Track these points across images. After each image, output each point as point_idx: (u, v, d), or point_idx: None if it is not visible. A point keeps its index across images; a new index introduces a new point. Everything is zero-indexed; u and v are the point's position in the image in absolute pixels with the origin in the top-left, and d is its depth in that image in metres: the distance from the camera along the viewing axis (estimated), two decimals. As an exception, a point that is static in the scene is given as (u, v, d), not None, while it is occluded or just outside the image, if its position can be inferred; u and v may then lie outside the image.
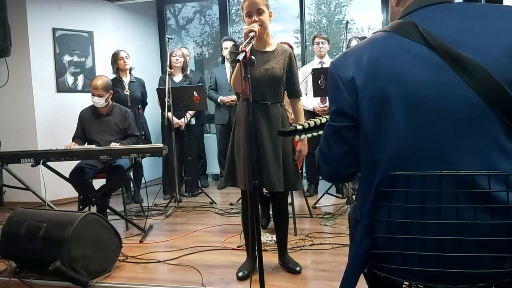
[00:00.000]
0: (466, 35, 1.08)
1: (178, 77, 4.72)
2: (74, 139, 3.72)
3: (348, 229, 1.48)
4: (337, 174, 1.30)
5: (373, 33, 1.22)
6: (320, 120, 1.62)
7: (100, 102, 3.68)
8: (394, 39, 1.15)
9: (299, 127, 1.58)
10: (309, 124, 1.58)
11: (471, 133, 1.05)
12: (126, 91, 4.45)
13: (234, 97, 4.71)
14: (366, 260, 1.18)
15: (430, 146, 1.08)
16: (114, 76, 4.49)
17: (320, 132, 1.48)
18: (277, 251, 2.64)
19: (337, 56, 1.29)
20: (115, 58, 4.49)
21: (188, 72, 4.82)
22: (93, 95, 3.66)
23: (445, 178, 1.06)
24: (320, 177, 4.63)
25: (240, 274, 2.44)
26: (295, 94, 2.56)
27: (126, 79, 4.53)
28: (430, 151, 1.08)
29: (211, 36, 6.91)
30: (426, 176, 1.07)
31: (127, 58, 4.49)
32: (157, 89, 4.41)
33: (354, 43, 4.47)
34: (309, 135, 1.64)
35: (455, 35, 1.08)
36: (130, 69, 4.58)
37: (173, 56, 4.61)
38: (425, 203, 1.08)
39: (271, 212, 3.28)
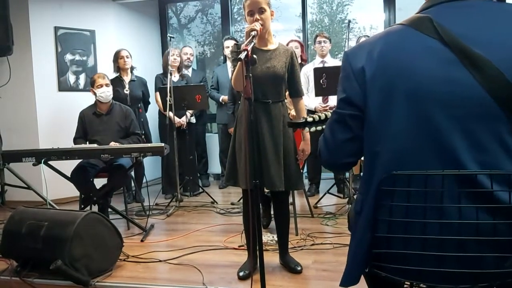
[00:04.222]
0: (481, 33, 1.08)
1: (175, 77, 4.72)
2: (76, 140, 3.71)
3: (348, 228, 1.48)
4: (336, 161, 1.30)
5: (390, 26, 1.22)
6: (331, 113, 1.61)
7: (109, 92, 3.71)
8: (408, 33, 1.15)
9: (310, 119, 1.58)
10: (319, 116, 1.57)
11: (477, 132, 1.04)
12: (126, 90, 4.44)
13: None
14: (367, 258, 1.18)
15: (434, 142, 1.07)
16: (115, 74, 4.49)
17: None
18: (278, 251, 2.63)
19: (352, 46, 1.30)
20: (116, 57, 4.49)
21: (184, 72, 4.81)
22: (100, 86, 3.66)
23: (447, 176, 1.06)
24: (321, 177, 4.63)
25: (241, 273, 2.43)
26: (297, 93, 2.56)
27: (127, 78, 4.52)
28: (433, 147, 1.07)
29: (213, 35, 6.91)
30: (428, 172, 1.07)
31: (127, 58, 4.48)
32: (159, 88, 4.41)
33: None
34: (319, 127, 1.63)
35: (469, 32, 1.08)
36: (132, 68, 4.58)
37: (171, 56, 4.60)
38: (426, 202, 1.08)
39: (272, 212, 3.28)
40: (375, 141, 1.15)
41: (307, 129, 1.61)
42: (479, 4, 1.13)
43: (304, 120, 1.58)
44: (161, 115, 4.71)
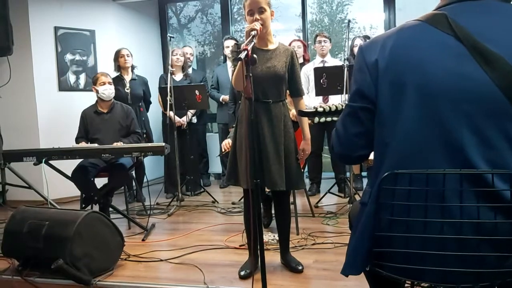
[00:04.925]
0: (495, 31, 1.08)
1: (178, 76, 4.73)
2: (77, 140, 3.72)
3: (349, 228, 1.48)
4: (349, 154, 1.31)
5: (406, 22, 1.24)
6: (342, 105, 1.61)
7: (111, 90, 3.73)
8: (423, 28, 1.16)
9: (320, 109, 1.58)
10: (330, 107, 1.57)
11: (485, 129, 1.05)
12: (127, 89, 4.45)
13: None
14: (368, 256, 1.18)
15: (442, 137, 1.08)
16: (116, 74, 4.49)
17: None
18: (279, 250, 2.64)
19: (368, 40, 1.32)
20: (117, 56, 4.50)
21: (188, 71, 4.83)
22: (103, 84, 3.68)
23: (452, 173, 1.06)
24: (322, 176, 4.63)
25: (242, 273, 2.43)
26: (297, 93, 2.56)
27: (128, 77, 4.53)
28: (442, 142, 1.08)
29: (213, 35, 6.91)
30: (430, 171, 1.07)
31: (128, 56, 4.49)
32: (160, 88, 4.41)
33: (358, 41, 4.46)
34: (329, 118, 1.63)
35: (484, 30, 1.09)
36: (132, 67, 4.58)
37: (174, 55, 4.61)
38: (429, 199, 1.08)
39: (273, 211, 3.28)
40: (385, 134, 1.16)
41: (316, 119, 1.61)
42: (494, 4, 1.14)
43: (314, 110, 1.58)
44: (164, 115, 4.72)
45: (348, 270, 1.20)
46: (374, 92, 1.18)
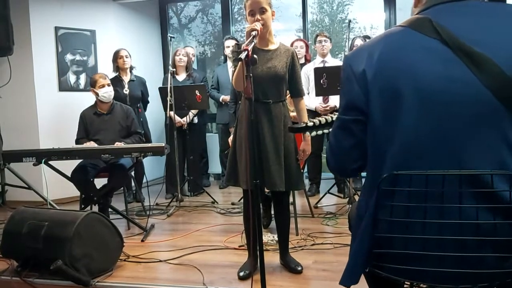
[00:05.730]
0: (480, 33, 1.08)
1: (181, 76, 4.73)
2: (78, 141, 3.71)
3: (349, 228, 1.48)
4: (344, 167, 1.30)
5: (389, 28, 1.22)
6: (332, 117, 1.61)
7: (111, 91, 3.72)
8: (408, 34, 1.15)
9: (310, 123, 1.58)
10: (320, 121, 1.57)
11: (481, 130, 1.05)
12: (126, 90, 4.45)
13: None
14: (368, 258, 1.18)
15: (438, 141, 1.08)
16: (114, 74, 4.49)
17: None
18: (278, 251, 2.63)
19: (352, 50, 1.31)
20: (116, 57, 4.50)
21: (192, 71, 4.83)
22: (102, 86, 3.67)
23: (451, 175, 1.06)
24: (321, 176, 4.63)
25: (242, 273, 2.43)
26: (297, 93, 2.56)
27: (126, 78, 4.53)
28: (438, 146, 1.08)
29: (213, 35, 6.91)
30: (429, 172, 1.07)
31: (126, 57, 4.49)
32: (159, 88, 4.41)
33: (358, 41, 4.45)
34: (320, 132, 1.63)
35: (469, 32, 1.08)
36: (131, 68, 4.58)
37: (177, 56, 4.62)
38: (428, 201, 1.08)
39: (272, 212, 3.28)
40: (382, 141, 1.15)
41: (307, 133, 1.61)
42: (477, 4, 1.14)
43: (304, 125, 1.58)
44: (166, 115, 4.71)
45: (348, 281, 1.18)
46: (365, 102, 1.17)
